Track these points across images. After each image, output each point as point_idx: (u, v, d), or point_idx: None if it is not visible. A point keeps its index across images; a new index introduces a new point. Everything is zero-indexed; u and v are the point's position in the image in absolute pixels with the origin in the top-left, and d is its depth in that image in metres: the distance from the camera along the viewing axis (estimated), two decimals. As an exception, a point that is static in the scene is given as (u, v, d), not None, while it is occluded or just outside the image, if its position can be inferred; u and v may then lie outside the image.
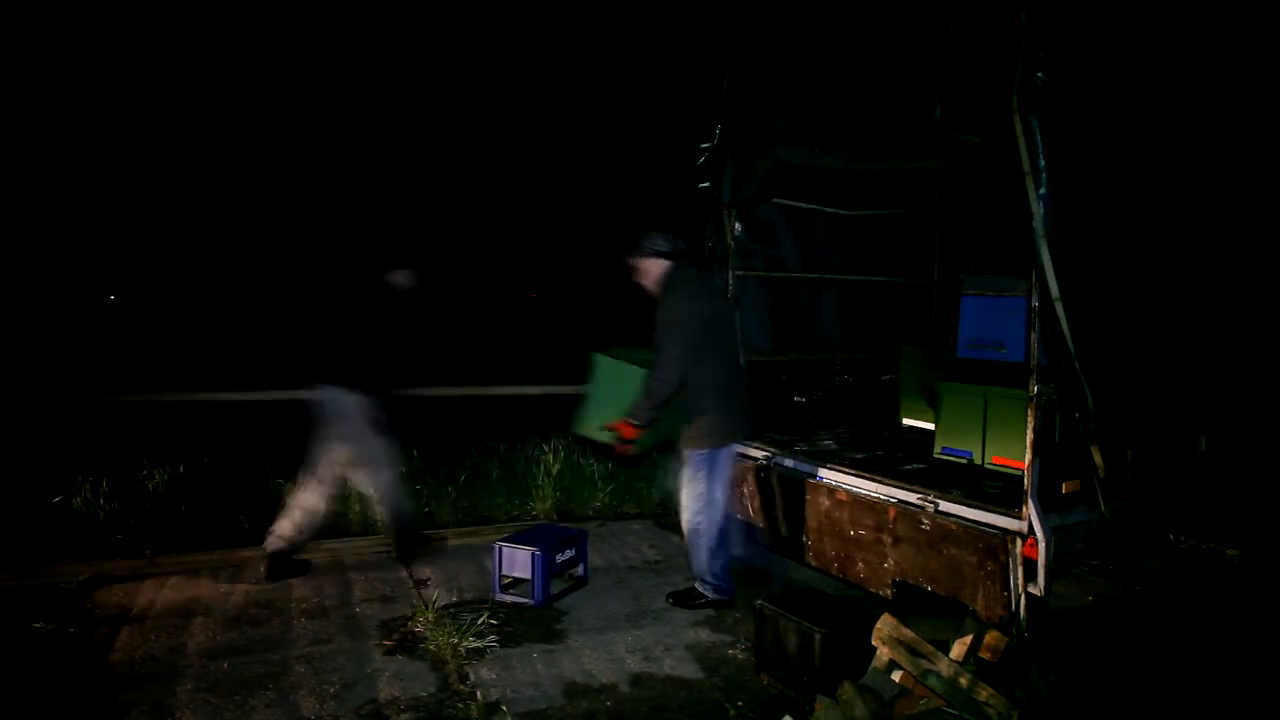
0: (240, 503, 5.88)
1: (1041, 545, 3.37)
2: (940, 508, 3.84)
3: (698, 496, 4.31)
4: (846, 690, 2.89)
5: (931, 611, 3.56)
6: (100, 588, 4.61)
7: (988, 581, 3.55)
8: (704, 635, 4.11)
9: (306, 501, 4.85)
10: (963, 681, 2.84)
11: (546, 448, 6.75)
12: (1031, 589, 3.39)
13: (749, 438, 5.26)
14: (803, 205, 5.89)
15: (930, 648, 2.97)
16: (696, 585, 4.47)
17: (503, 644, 3.94)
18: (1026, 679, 2.95)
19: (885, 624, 3.09)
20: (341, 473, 4.95)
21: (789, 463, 4.85)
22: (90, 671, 3.66)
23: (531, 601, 4.42)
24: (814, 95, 4.56)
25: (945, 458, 4.67)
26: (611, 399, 4.29)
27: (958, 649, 3.10)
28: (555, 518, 6.13)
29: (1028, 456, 3.42)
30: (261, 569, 4.81)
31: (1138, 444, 3.68)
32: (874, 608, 3.50)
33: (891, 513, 4.06)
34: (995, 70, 3.32)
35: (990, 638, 3.12)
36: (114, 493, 5.68)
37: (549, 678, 3.65)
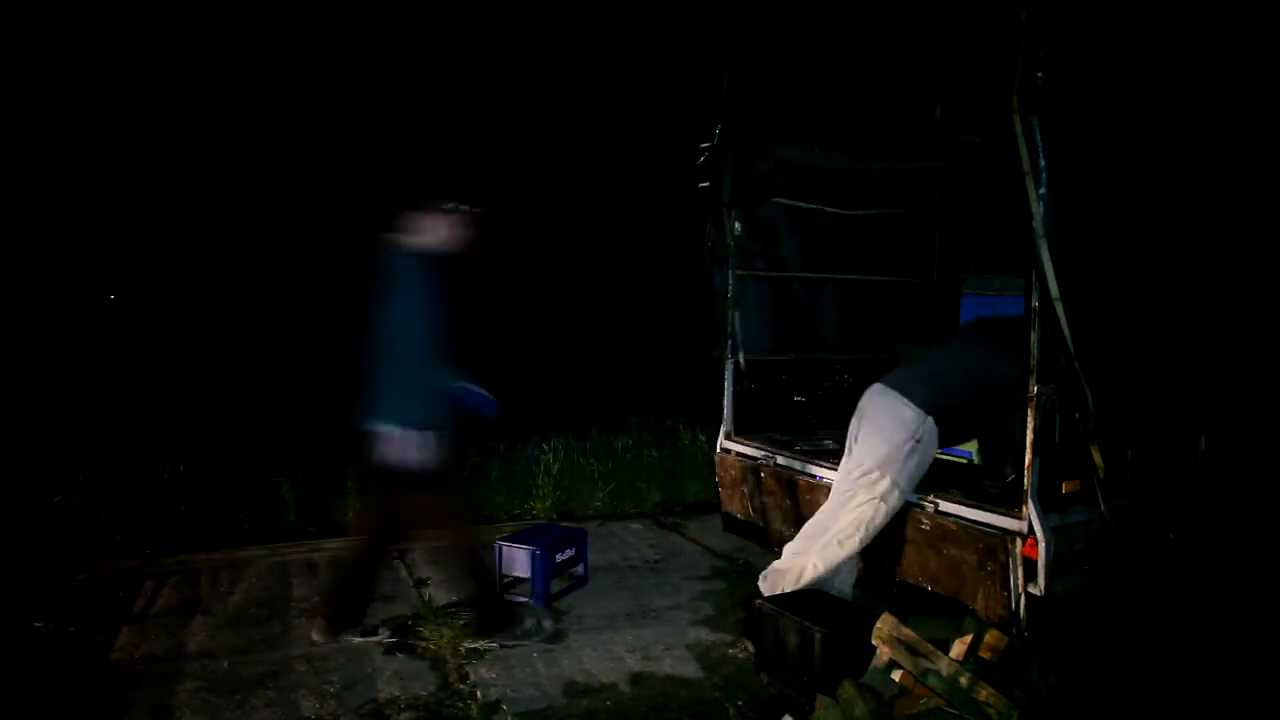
0: (240, 502, 5.88)
1: (1041, 545, 3.36)
2: (940, 508, 3.84)
3: None
4: (846, 689, 2.90)
5: (931, 611, 3.56)
6: (100, 588, 4.61)
7: (988, 581, 3.55)
8: (704, 635, 4.11)
9: None
10: (963, 681, 2.84)
11: (546, 447, 6.75)
12: (1031, 589, 3.39)
13: (748, 436, 5.27)
14: (803, 205, 5.89)
15: (930, 647, 2.97)
16: None
17: (503, 643, 3.94)
18: (1026, 678, 2.96)
19: (885, 623, 3.09)
20: None
21: (789, 462, 4.85)
22: (90, 671, 3.66)
23: (531, 601, 4.42)
24: (814, 95, 4.56)
25: (945, 457, 4.67)
26: None
27: (958, 648, 3.10)
28: (555, 517, 6.13)
29: (1028, 456, 3.42)
30: None
31: (1138, 444, 3.68)
32: (874, 607, 3.50)
33: (891, 512, 4.05)
34: (995, 70, 3.32)
35: (990, 637, 3.12)
36: (114, 492, 5.68)
37: (549, 677, 3.65)
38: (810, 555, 3.72)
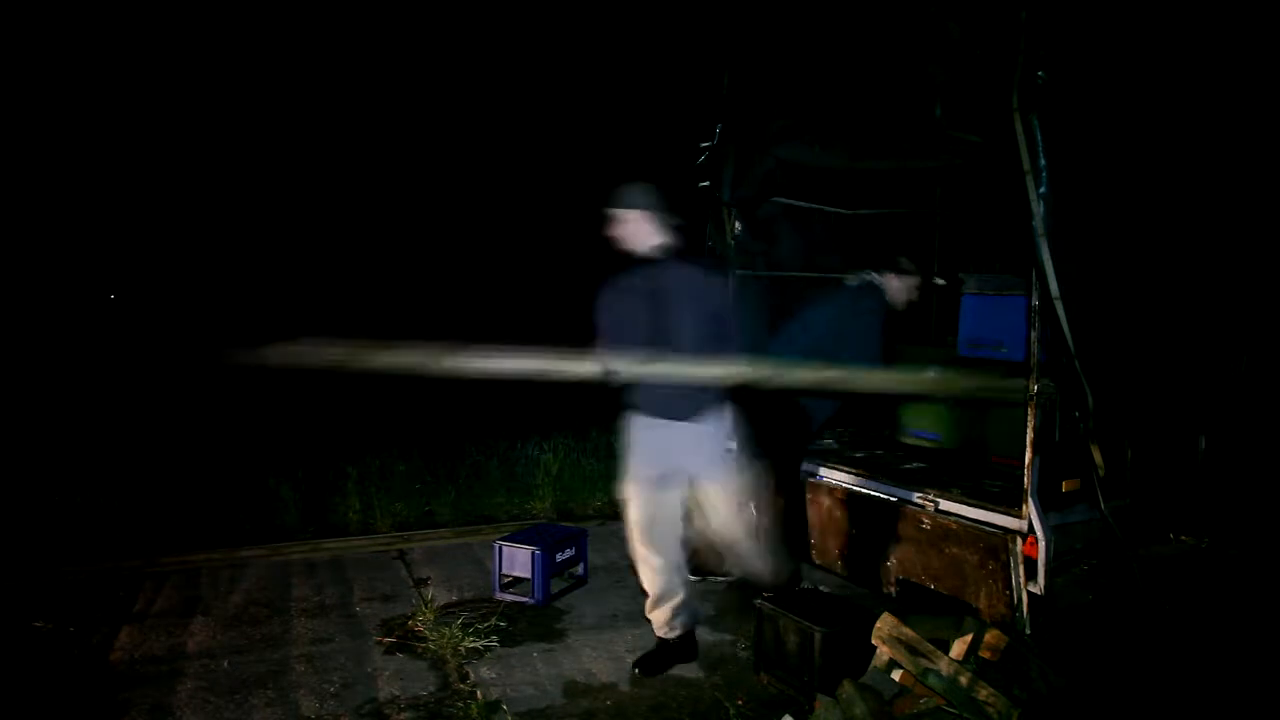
0: (240, 502, 5.88)
1: (1042, 544, 3.37)
2: (940, 506, 3.85)
3: None
4: (846, 689, 2.89)
5: (932, 610, 3.56)
6: (100, 588, 4.61)
7: (988, 580, 3.55)
8: (704, 634, 4.10)
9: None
10: (963, 680, 2.84)
11: (546, 446, 6.75)
12: (1032, 588, 3.39)
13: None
14: (803, 204, 5.88)
15: (930, 646, 2.97)
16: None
17: (503, 643, 3.94)
18: (1027, 678, 2.95)
19: (885, 623, 3.09)
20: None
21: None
22: (90, 671, 3.66)
23: (531, 600, 4.41)
24: (814, 94, 4.56)
25: (912, 440, 4.71)
26: None
27: (958, 648, 3.10)
28: (555, 517, 6.13)
29: (1028, 455, 3.42)
30: None
31: (1138, 443, 3.68)
32: (874, 607, 3.50)
33: (891, 511, 4.05)
34: (995, 69, 3.32)
35: (990, 636, 3.12)
36: (115, 492, 5.68)
37: (549, 677, 3.65)
38: None
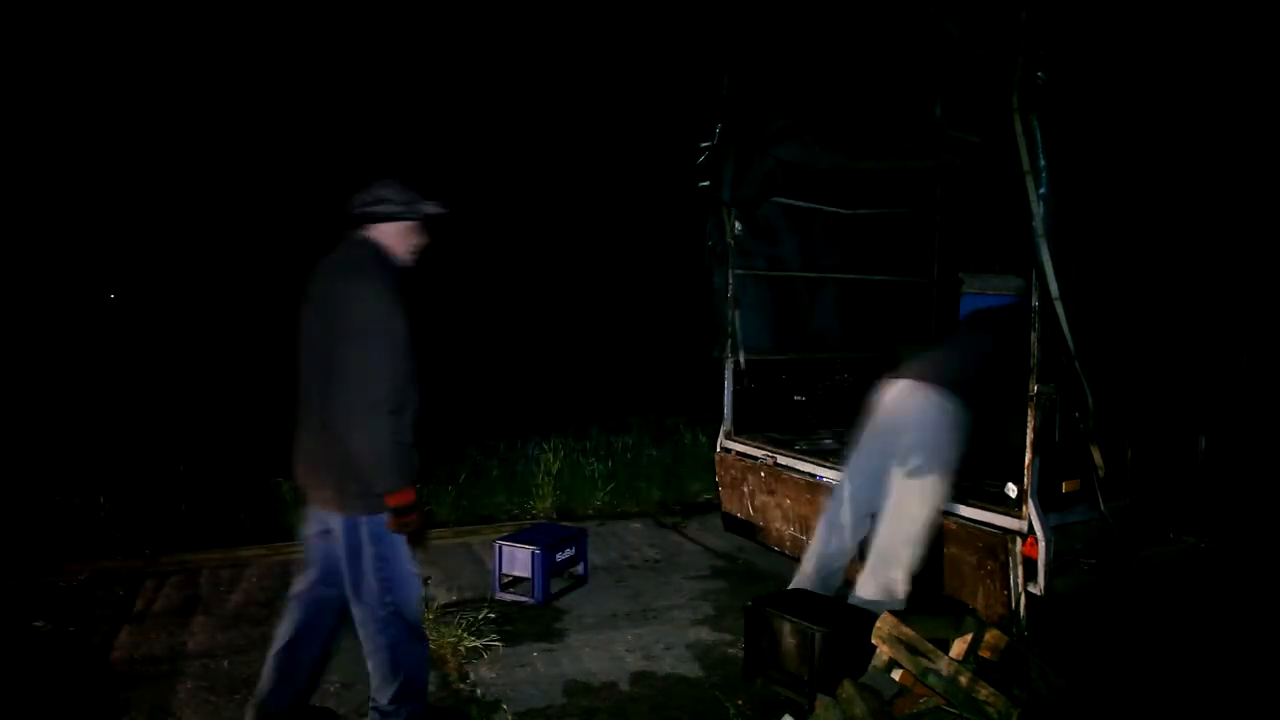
0: (240, 502, 5.88)
1: (1041, 544, 3.37)
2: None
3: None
4: (846, 689, 2.89)
5: (932, 610, 3.56)
6: (100, 587, 4.61)
7: (988, 580, 3.55)
8: (704, 634, 4.11)
9: None
10: (963, 680, 2.84)
11: (546, 446, 6.75)
12: (1031, 588, 3.39)
13: (749, 436, 5.27)
14: (803, 204, 5.89)
15: (930, 646, 2.97)
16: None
17: (503, 643, 3.94)
18: (1027, 678, 2.96)
19: (885, 623, 3.09)
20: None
21: (789, 461, 4.85)
22: (90, 671, 3.66)
23: (531, 600, 4.42)
24: (814, 94, 4.56)
25: None
26: None
27: (958, 648, 3.10)
28: (555, 516, 6.13)
29: (1028, 456, 3.42)
30: None
31: (1138, 443, 3.68)
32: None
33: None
34: (995, 69, 3.32)
35: (990, 636, 3.12)
36: (114, 492, 5.68)
37: (549, 676, 3.65)
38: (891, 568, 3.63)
